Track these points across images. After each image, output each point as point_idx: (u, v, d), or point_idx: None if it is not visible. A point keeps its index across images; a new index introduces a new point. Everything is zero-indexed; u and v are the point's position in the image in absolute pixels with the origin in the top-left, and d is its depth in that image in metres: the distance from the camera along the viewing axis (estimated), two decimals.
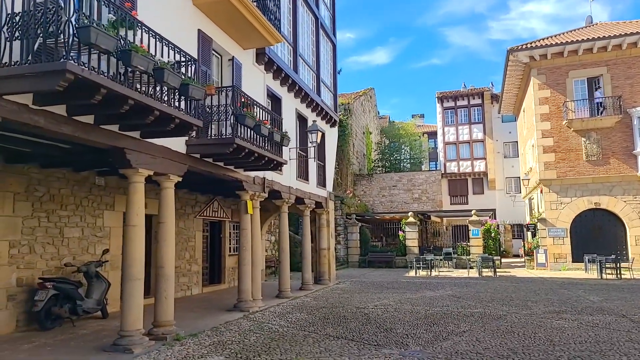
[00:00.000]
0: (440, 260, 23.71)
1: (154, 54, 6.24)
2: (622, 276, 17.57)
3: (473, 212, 25.38)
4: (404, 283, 16.66)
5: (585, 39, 21.90)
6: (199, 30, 8.86)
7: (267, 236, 19.05)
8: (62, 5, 4.79)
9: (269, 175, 11.63)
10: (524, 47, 23.15)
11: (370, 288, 15.07)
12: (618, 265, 17.69)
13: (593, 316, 9.37)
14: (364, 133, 38.09)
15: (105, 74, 5.27)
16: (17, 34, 4.89)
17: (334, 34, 18.04)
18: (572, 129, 22.30)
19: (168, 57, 6.48)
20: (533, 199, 26.34)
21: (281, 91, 12.85)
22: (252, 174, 10.73)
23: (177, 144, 7.97)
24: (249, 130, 8.85)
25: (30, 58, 4.85)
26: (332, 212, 17.28)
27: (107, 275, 9.48)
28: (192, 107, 8.07)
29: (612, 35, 21.54)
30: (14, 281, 7.86)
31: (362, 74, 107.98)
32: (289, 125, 13.43)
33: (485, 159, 36.55)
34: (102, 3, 5.44)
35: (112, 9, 5.54)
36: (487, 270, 20.60)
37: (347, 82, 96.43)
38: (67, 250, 9.00)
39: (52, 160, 8.31)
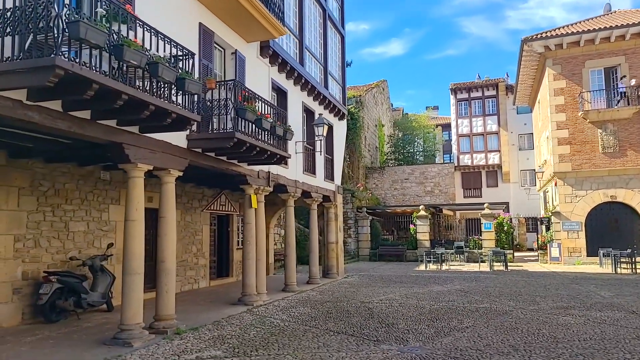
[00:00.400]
0: (452, 254, 23.51)
1: (150, 48, 6.23)
2: (638, 271, 17.16)
3: (485, 205, 25.04)
4: (413, 277, 16.54)
5: (602, 27, 21.30)
6: (200, 24, 8.82)
7: (276, 230, 19.06)
8: (52, 0, 4.78)
9: (274, 169, 11.60)
10: (538, 36, 22.61)
11: (377, 282, 15.00)
12: (634, 260, 17.29)
13: (602, 312, 9.16)
14: (376, 126, 37.82)
15: (98, 70, 5.26)
16: (8, 29, 4.89)
17: (343, 26, 17.86)
18: (588, 121, 21.78)
19: (164, 52, 6.46)
20: (548, 192, 25.88)
21: (287, 84, 12.77)
22: (256, 168, 10.70)
23: (178, 138, 7.97)
24: (250, 124, 8.81)
25: (22, 54, 4.86)
26: (341, 205, 17.20)
27: (112, 269, 9.58)
28: (193, 101, 8.10)
29: (630, 23, 20.90)
30: (19, 275, 7.99)
31: (377, 65, 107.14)
32: (296, 118, 13.37)
33: (499, 151, 36.01)
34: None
35: (104, 3, 5.52)
36: (498, 264, 20.34)
37: (361, 74, 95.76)
38: (72, 244, 9.12)
39: (56, 155, 8.38)
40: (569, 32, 22.04)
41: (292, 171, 12.80)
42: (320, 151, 14.05)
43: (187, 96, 6.97)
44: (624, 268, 17.55)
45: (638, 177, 20.91)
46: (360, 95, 33.46)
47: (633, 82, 21.16)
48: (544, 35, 22.52)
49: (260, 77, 11.22)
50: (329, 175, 16.19)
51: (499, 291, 12.51)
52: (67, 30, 4.77)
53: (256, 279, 10.62)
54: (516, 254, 27.79)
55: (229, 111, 8.23)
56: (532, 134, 32.49)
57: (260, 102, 9.26)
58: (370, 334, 7.45)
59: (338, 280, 15.35)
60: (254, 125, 8.87)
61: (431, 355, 6.17)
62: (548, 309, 9.60)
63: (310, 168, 14.36)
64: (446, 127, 43.56)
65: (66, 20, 4.77)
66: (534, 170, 29.56)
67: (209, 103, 8.42)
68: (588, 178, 21.65)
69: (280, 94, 12.66)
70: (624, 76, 21.47)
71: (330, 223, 16.25)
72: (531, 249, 31.12)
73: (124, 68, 5.68)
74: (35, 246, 8.34)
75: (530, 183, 34.49)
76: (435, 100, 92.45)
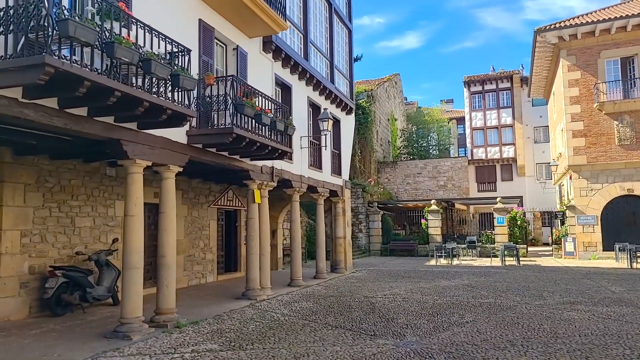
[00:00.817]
0: (464, 248, 23.30)
1: (144, 45, 6.30)
2: None
3: (498, 199, 24.73)
4: (422, 272, 16.45)
5: (618, 16, 20.74)
6: (200, 20, 8.87)
7: (285, 224, 19.13)
8: (45, 0, 4.86)
9: (278, 164, 11.63)
10: (552, 27, 22.13)
11: (385, 277, 14.96)
12: None
13: (609, 307, 8.98)
14: (388, 120, 37.60)
15: (92, 67, 5.34)
16: (1, 29, 4.99)
17: (350, 20, 17.75)
18: (603, 112, 21.29)
19: (159, 48, 6.51)
20: (563, 185, 25.42)
21: (291, 79, 12.77)
22: (260, 163, 10.74)
23: (178, 134, 8.04)
24: (251, 119, 8.84)
25: (13, 53, 4.96)
26: (349, 200, 17.17)
27: (119, 264, 9.74)
28: (192, 97, 8.16)
29: None
30: (26, 269, 8.19)
31: (392, 59, 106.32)
32: (301, 113, 13.38)
33: (514, 144, 35.47)
34: None
35: (96, 1, 5.59)
36: (510, 259, 20.09)
37: (375, 68, 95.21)
38: (78, 239, 9.30)
39: (62, 152, 8.54)
40: (584, 21, 21.52)
41: (297, 166, 12.82)
42: (325, 146, 14.01)
43: (184, 92, 7.04)
44: None
45: None
46: (371, 90, 33.27)
47: None
48: (557, 25, 22.03)
49: (263, 73, 11.24)
50: (336, 170, 16.17)
51: (507, 286, 12.36)
52: (56, 29, 4.85)
53: (260, 274, 10.70)
54: (531, 248, 27.42)
55: (228, 107, 8.26)
56: (548, 126, 31.90)
57: (260, 97, 9.29)
58: (368, 329, 7.45)
59: (345, 275, 15.36)
60: (254, 121, 8.90)
61: (425, 350, 6.15)
62: (554, 304, 9.46)
63: (316, 163, 14.35)
64: (461, 120, 43.03)
65: (56, 19, 4.85)
66: (549, 163, 29.06)
67: (208, 99, 8.47)
68: (604, 171, 21.19)
69: (285, 89, 12.66)
70: None
71: (338, 218, 16.25)
72: (547, 244, 30.66)
73: (119, 65, 5.76)
74: (42, 241, 8.54)
75: (546, 176, 33.91)
76: (450, 94, 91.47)
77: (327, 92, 14.94)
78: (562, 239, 21.94)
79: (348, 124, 17.40)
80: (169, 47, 6.83)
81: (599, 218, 21.00)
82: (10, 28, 4.99)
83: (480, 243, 24.42)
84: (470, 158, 36.15)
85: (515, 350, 6.10)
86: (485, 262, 20.55)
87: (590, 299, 10.00)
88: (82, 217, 9.40)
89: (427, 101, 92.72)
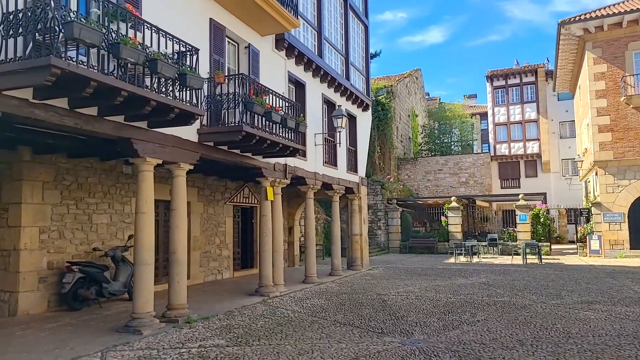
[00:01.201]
0: (484, 246, 22.94)
1: (151, 45, 6.41)
2: None
3: (520, 196, 24.23)
4: (440, 270, 16.27)
5: None
6: (211, 19, 8.96)
7: (302, 221, 19.17)
8: (50, 2, 4.99)
9: (292, 161, 11.67)
10: (577, 18, 21.50)
11: (401, 274, 14.86)
12: None
13: (628, 307, 8.70)
14: (409, 116, 37.22)
15: (96, 68, 5.46)
16: (11, 32, 5.16)
17: (366, 16, 17.63)
18: (631, 106, 20.58)
19: (166, 49, 6.61)
20: (589, 182, 24.70)
21: (305, 77, 12.78)
22: (272, 160, 10.80)
23: (189, 132, 8.15)
24: (262, 117, 8.90)
25: (22, 55, 5.11)
26: (365, 197, 17.10)
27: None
28: (203, 96, 8.27)
29: None
30: (44, 265, 8.46)
31: (415, 54, 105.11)
32: (315, 110, 13.39)
33: (539, 140, 34.65)
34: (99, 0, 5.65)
35: (104, 3, 5.71)
36: (532, 257, 19.66)
37: (398, 64, 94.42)
38: (96, 236, 9.55)
39: (78, 151, 8.78)
40: (610, 12, 20.82)
41: (311, 163, 12.83)
42: (339, 143, 13.98)
43: (193, 91, 7.13)
44: None
45: None
46: (391, 85, 32.97)
47: None
48: (582, 17, 21.38)
49: (275, 70, 11.28)
50: (352, 167, 16.12)
51: (525, 285, 12.11)
52: (62, 31, 4.98)
53: (273, 271, 10.77)
54: (555, 246, 26.77)
55: (238, 105, 8.33)
56: (574, 121, 31.03)
57: (271, 95, 9.33)
58: (376, 326, 7.42)
59: (361, 272, 15.32)
60: (264, 119, 8.95)
61: (431, 349, 6.08)
62: (571, 304, 9.22)
63: (331, 160, 14.34)
64: (484, 115, 42.27)
65: (62, 21, 4.98)
66: (575, 159, 28.30)
67: (219, 97, 8.56)
68: (631, 167, 20.50)
69: (299, 86, 12.69)
70: None
71: (354, 215, 16.21)
72: (572, 242, 29.86)
73: (126, 66, 5.87)
74: (60, 237, 8.81)
75: (572, 172, 33.00)
76: (474, 89, 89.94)
77: (342, 88, 14.89)
78: (587, 237, 21.35)
79: (364, 120, 17.31)
80: (177, 47, 6.93)
81: (626, 215, 20.34)
82: (20, 31, 5.15)
83: (501, 241, 23.99)
84: (492, 154, 35.48)
85: (524, 349, 5.98)
86: (506, 260, 20.17)
87: (610, 299, 9.71)
88: (99, 214, 9.65)
89: (450, 96, 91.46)
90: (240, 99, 8.31)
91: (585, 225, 23.07)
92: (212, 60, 8.89)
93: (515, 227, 24.31)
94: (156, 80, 6.46)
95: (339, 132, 13.47)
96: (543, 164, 34.41)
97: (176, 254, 7.85)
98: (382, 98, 31.28)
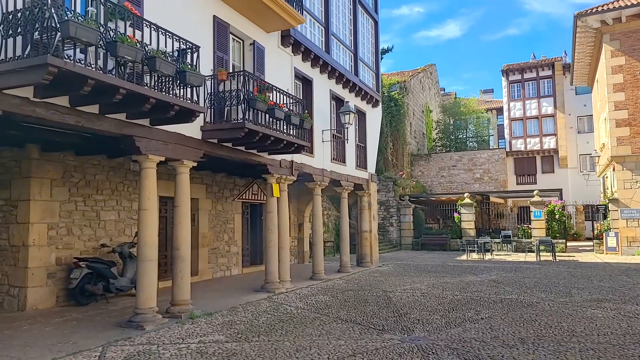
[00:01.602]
0: (498, 243, 22.65)
1: (154, 43, 6.46)
2: None
3: (535, 192, 23.81)
4: (450, 267, 16.11)
5: None
6: (215, 17, 8.99)
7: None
8: (48, 2, 5.06)
9: (298, 157, 11.66)
10: (593, 10, 20.97)
11: (410, 271, 14.76)
12: None
13: (639, 306, 8.48)
14: (423, 111, 36.92)
15: (93, 66, 5.52)
16: (10, 31, 5.24)
17: (376, 11, 17.48)
18: None
19: (166, 46, 6.65)
20: (607, 177, 24.15)
21: (312, 73, 12.74)
22: (278, 157, 10.81)
23: (192, 129, 8.19)
24: (266, 114, 8.90)
25: (21, 54, 5.20)
26: (374, 194, 17.01)
27: None
28: (207, 93, 8.32)
29: None
30: (53, 260, 8.63)
31: (432, 49, 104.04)
32: (323, 107, 13.35)
33: (555, 135, 33.97)
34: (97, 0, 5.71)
35: (100, 2, 5.77)
36: (547, 254, 19.33)
37: (414, 59, 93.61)
38: (103, 232, 9.70)
39: (86, 148, 8.93)
40: (628, 4, 20.25)
41: (319, 160, 12.81)
42: (347, 139, 13.92)
43: (195, 89, 7.17)
44: None
45: None
46: (405, 81, 32.74)
47: None
48: (599, 9, 20.85)
49: (281, 67, 11.27)
50: (362, 164, 16.04)
51: (535, 282, 11.92)
52: (59, 30, 5.04)
53: (279, 267, 10.80)
54: (572, 243, 26.29)
55: (240, 102, 8.35)
56: (592, 115, 30.34)
57: (275, 91, 9.33)
58: (378, 323, 7.38)
59: (370, 269, 15.26)
60: (268, 115, 8.95)
61: (430, 346, 6.03)
62: (580, 302, 9.04)
63: (339, 156, 14.30)
64: (500, 111, 41.63)
65: (59, 21, 5.04)
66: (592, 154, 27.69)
67: (222, 94, 8.59)
68: None
69: (306, 82, 12.66)
70: None
71: (364, 211, 16.14)
72: (590, 239, 29.25)
73: (125, 64, 5.93)
74: (68, 234, 8.97)
75: (590, 168, 32.27)
76: (491, 83, 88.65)
77: (351, 85, 14.81)
78: (604, 234, 20.89)
79: (374, 116, 17.20)
80: (178, 45, 6.97)
81: None
82: (19, 30, 5.23)
83: (516, 238, 23.65)
84: (508, 150, 34.93)
85: (525, 348, 5.88)
86: (520, 257, 19.88)
87: (621, 297, 9.49)
88: (106, 210, 9.79)
89: (467, 91, 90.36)
90: (243, 96, 8.32)
91: (602, 222, 22.58)
92: (216, 58, 8.92)
93: (530, 224, 23.94)
94: (158, 78, 6.53)
95: (347, 128, 13.42)
96: (560, 159, 33.75)
97: (180, 250, 7.92)
98: (395, 94, 31.07)
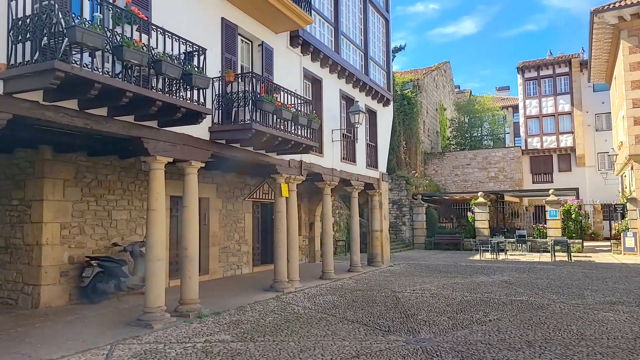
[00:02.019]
0: (512, 243, 22.38)
1: (160, 47, 6.55)
2: None
3: (550, 191, 23.44)
4: (462, 267, 15.99)
5: None
6: (223, 18, 9.05)
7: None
8: (55, 8, 5.17)
9: (308, 157, 11.68)
10: (610, 6, 20.53)
11: (421, 271, 14.68)
12: None
13: None
14: (437, 110, 36.64)
15: (100, 70, 5.62)
16: (20, 37, 5.37)
17: (387, 10, 17.40)
18: None
19: (172, 49, 6.73)
20: (625, 176, 23.66)
21: (321, 73, 12.75)
22: (287, 157, 10.85)
23: (200, 131, 8.27)
24: (273, 115, 8.94)
25: (29, 59, 5.32)
26: (386, 193, 16.96)
27: None
28: (215, 95, 8.40)
29: None
30: (65, 259, 8.82)
31: (447, 46, 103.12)
32: (333, 106, 13.35)
33: (573, 132, 33.37)
34: (104, 5, 5.81)
35: (110, 7, 5.87)
36: (563, 254, 19.03)
37: (429, 56, 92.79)
38: (115, 232, 9.87)
39: (98, 149, 9.08)
40: None
41: (328, 159, 12.82)
42: (357, 138, 13.90)
43: (201, 91, 7.24)
44: None
45: None
46: (418, 79, 32.51)
47: None
48: (617, 4, 20.40)
49: (290, 67, 11.30)
50: (373, 163, 16.01)
51: (548, 283, 11.75)
52: (66, 35, 5.14)
53: (288, 267, 10.86)
54: (589, 243, 25.81)
55: (247, 103, 8.41)
56: (610, 113, 29.72)
57: (283, 92, 9.36)
58: (384, 324, 7.37)
59: (381, 269, 15.23)
60: (275, 116, 8.99)
61: (435, 348, 6.00)
62: (592, 304, 8.89)
63: (349, 156, 14.29)
64: (516, 108, 41.05)
65: (65, 26, 5.14)
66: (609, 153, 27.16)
67: (230, 96, 8.65)
68: None
69: (315, 82, 12.68)
70: None
71: (374, 211, 16.11)
72: (608, 238, 28.69)
73: (132, 68, 6.02)
74: (80, 233, 9.15)
75: (608, 167, 31.63)
76: (508, 80, 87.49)
77: (361, 84, 14.78)
78: (622, 234, 20.48)
79: (385, 115, 17.14)
80: (183, 48, 7.04)
81: None
82: (27, 36, 5.35)
83: (531, 237, 23.33)
84: (524, 148, 34.44)
85: (531, 351, 5.81)
86: (534, 257, 19.61)
87: (635, 300, 9.30)
88: (118, 210, 9.96)
89: (483, 89, 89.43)
90: (249, 97, 8.38)
91: (620, 221, 22.13)
92: (224, 59, 8.99)
93: (546, 224, 23.59)
94: (165, 81, 6.61)
95: (357, 127, 13.40)
96: (577, 158, 33.15)
97: (188, 250, 8.02)
98: (408, 92, 30.86)
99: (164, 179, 7.53)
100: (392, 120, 18.15)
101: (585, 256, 19.92)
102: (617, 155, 23.95)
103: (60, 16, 5.15)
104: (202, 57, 7.24)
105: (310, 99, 12.11)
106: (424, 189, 28.93)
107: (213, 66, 8.43)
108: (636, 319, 7.51)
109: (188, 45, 7.04)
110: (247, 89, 8.46)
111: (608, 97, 30.18)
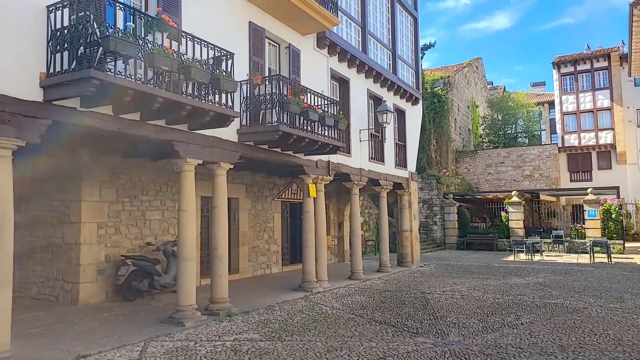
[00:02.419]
0: (549, 243, 21.75)
1: (189, 52, 6.73)
2: None
3: (589, 190, 22.65)
4: (495, 268, 15.66)
5: None
6: (250, 23, 9.20)
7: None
8: (90, 19, 5.40)
9: (335, 158, 11.72)
10: None
11: (452, 272, 14.48)
12: None
13: None
14: (468, 107, 35.96)
15: (132, 77, 5.83)
16: (58, 47, 5.63)
17: (416, 8, 17.21)
18: None
19: (201, 55, 6.90)
20: None
21: (348, 73, 12.75)
22: (314, 157, 10.91)
23: (229, 133, 8.44)
24: (300, 116, 9.03)
25: (67, 68, 5.57)
26: (415, 193, 16.79)
27: None
28: (243, 97, 8.55)
29: None
30: (102, 258, 9.17)
31: (480, 42, 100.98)
32: (360, 106, 13.34)
33: (613, 129, 32.07)
34: (136, 14, 6.03)
35: (142, 17, 6.08)
36: (601, 256, 18.36)
37: (460, 52, 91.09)
38: (149, 231, 10.19)
39: (132, 152, 9.39)
40: None
41: (356, 159, 12.81)
42: (385, 138, 13.82)
43: (229, 94, 7.39)
44: None
45: None
46: (448, 76, 32.00)
47: None
48: None
49: (317, 68, 11.37)
50: (401, 162, 15.89)
51: (585, 286, 11.38)
52: (101, 45, 5.36)
53: (317, 267, 10.93)
54: (631, 244, 24.69)
55: (274, 105, 8.52)
56: None
57: (310, 93, 9.43)
58: (412, 326, 7.33)
59: (411, 269, 15.10)
60: (302, 118, 9.07)
61: (463, 351, 5.93)
62: (631, 308, 8.56)
63: (377, 155, 14.23)
64: (552, 104, 39.79)
65: (100, 36, 5.36)
66: None
67: (257, 98, 8.78)
68: None
69: (342, 83, 12.69)
70: None
71: (404, 211, 15.99)
72: None
73: (163, 74, 6.21)
74: (116, 233, 9.49)
75: None
76: (543, 76, 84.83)
77: (389, 83, 14.70)
78: None
79: (414, 114, 16.97)
80: (214, 52, 7.21)
81: None
82: (65, 46, 5.61)
83: (568, 238, 22.60)
84: (561, 145, 33.36)
85: (564, 356, 5.66)
86: (572, 258, 19.00)
87: None
88: (151, 210, 10.27)
89: (517, 85, 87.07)
90: (276, 99, 8.48)
91: None
92: (252, 62, 9.13)
93: (584, 224, 22.80)
94: (194, 85, 6.79)
95: (385, 127, 13.34)
96: (618, 155, 31.84)
97: (217, 249, 8.20)
98: (439, 90, 30.42)
99: (194, 181, 7.73)
100: (421, 119, 17.97)
101: (627, 257, 19.15)
102: None
103: (96, 26, 5.38)
104: (230, 62, 7.39)
105: (338, 99, 12.16)
106: (456, 188, 28.45)
107: (241, 69, 8.58)
108: None
109: (216, 50, 7.20)
110: (274, 91, 8.56)
111: None
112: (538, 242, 20.33)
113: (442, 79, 31.45)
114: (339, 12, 11.56)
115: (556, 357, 5.64)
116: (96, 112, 6.26)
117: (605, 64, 32.50)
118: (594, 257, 18.08)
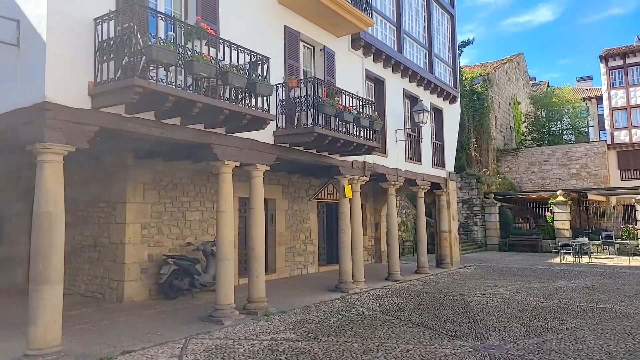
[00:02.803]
0: (597, 245, 20.82)
1: (227, 58, 6.92)
2: None
3: None
4: (539, 270, 15.15)
5: None
6: (285, 27, 9.32)
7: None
8: (134, 29, 5.64)
9: (371, 158, 11.68)
10: None
11: (493, 274, 14.12)
12: None
13: None
14: (510, 104, 34.93)
15: (173, 84, 6.04)
16: (104, 57, 5.91)
17: (452, 5, 16.90)
18: None
19: (238, 60, 7.06)
20: None
21: (384, 73, 12.68)
22: (350, 158, 10.92)
23: (265, 135, 8.59)
24: (335, 117, 9.07)
25: (113, 77, 5.84)
26: (454, 192, 16.49)
27: None
28: (278, 100, 8.70)
29: None
30: (146, 257, 9.53)
31: (521, 36, 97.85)
32: (396, 106, 13.24)
33: None
34: (177, 24, 6.26)
35: (182, 26, 6.30)
36: None
37: (501, 47, 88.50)
38: (189, 231, 10.50)
39: (173, 155, 9.72)
40: None
41: (392, 159, 12.72)
42: (422, 138, 13.65)
43: (265, 98, 7.52)
44: None
45: None
46: (488, 73, 31.20)
47: None
48: None
49: (352, 69, 11.37)
50: (439, 162, 15.64)
51: (637, 290, 10.84)
52: (144, 54, 5.59)
53: (353, 267, 10.93)
54: None
55: (310, 107, 8.59)
56: None
57: (344, 95, 9.46)
58: (450, 329, 7.22)
59: (450, 271, 14.84)
60: (338, 119, 9.10)
61: (504, 355, 5.79)
62: None
63: (414, 155, 14.07)
64: (600, 100, 38.03)
65: (143, 46, 5.59)
66: None
67: (292, 100, 8.89)
68: None
69: (377, 83, 12.64)
70: None
71: (442, 211, 15.73)
72: None
73: (202, 80, 6.41)
74: (158, 233, 9.84)
75: None
76: (590, 70, 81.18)
77: (426, 82, 14.50)
78: None
79: (452, 113, 16.66)
80: (250, 57, 7.36)
81: None
82: (111, 56, 5.88)
83: (619, 239, 21.55)
84: (610, 142, 31.83)
85: None
86: (623, 261, 18.11)
87: None
88: (191, 211, 10.58)
89: (562, 80, 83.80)
90: (311, 102, 8.56)
91: None
92: (287, 65, 9.25)
93: (636, 224, 21.67)
94: (231, 90, 6.96)
95: (422, 126, 13.18)
96: None
97: (255, 250, 8.35)
98: (478, 87, 29.72)
99: (232, 182, 7.91)
100: (459, 118, 17.62)
101: None
102: None
103: (139, 37, 5.61)
104: (265, 66, 7.52)
105: (373, 99, 12.12)
106: (497, 188, 27.67)
107: (276, 73, 8.72)
108: None
109: (252, 55, 7.35)
110: (309, 93, 8.64)
111: None
112: (586, 244, 19.51)
113: (481, 75, 30.70)
114: (374, 13, 11.52)
115: None
116: (140, 118, 6.53)
117: None
118: None
